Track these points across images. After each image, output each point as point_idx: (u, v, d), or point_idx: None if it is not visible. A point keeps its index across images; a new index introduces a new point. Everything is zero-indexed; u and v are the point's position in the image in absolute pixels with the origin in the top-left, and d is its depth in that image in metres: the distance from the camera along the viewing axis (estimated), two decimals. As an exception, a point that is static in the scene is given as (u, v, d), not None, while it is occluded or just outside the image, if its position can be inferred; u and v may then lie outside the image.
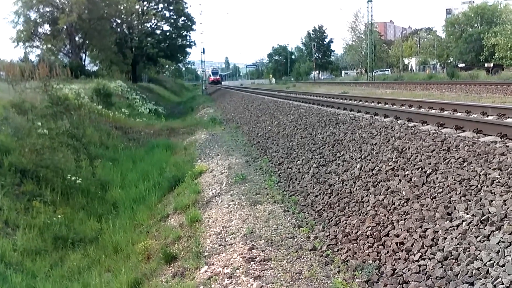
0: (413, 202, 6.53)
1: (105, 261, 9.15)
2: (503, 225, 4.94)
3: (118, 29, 58.19)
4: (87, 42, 51.47)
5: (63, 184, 12.84)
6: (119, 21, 57.76)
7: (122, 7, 54.18)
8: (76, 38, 50.42)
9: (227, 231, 7.95)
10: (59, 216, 10.97)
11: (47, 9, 48.19)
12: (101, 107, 25.66)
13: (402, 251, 5.67)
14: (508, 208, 5.17)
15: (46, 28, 49.82)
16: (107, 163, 16.57)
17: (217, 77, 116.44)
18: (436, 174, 6.87)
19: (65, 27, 46.64)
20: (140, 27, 60.12)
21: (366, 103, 16.87)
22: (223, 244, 7.42)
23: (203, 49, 71.23)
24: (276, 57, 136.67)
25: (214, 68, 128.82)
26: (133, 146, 20.55)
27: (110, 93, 29.75)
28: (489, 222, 5.11)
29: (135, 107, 34.20)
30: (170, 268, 7.72)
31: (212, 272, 6.50)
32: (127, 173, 15.56)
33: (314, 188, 9.31)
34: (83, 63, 52.60)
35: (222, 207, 9.39)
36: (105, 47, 50.85)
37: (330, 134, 12.04)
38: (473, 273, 4.62)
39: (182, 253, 7.95)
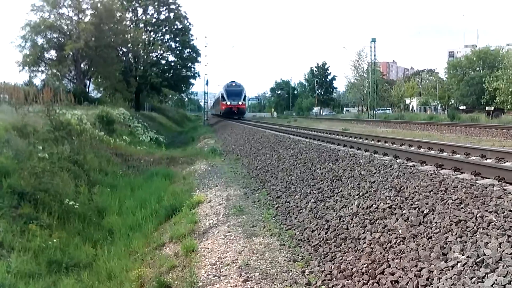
0: (409, 241, 6.55)
1: (98, 287, 9.10)
2: (497, 268, 4.95)
3: (124, 58, 58.73)
4: (92, 69, 51.90)
5: (60, 209, 12.80)
6: (125, 49, 58.34)
7: (129, 37, 54.81)
8: (82, 65, 50.84)
9: (222, 262, 7.93)
10: (54, 240, 10.92)
11: (55, 35, 48.72)
12: (103, 133, 25.77)
13: (396, 290, 5.67)
14: (503, 251, 5.19)
15: (52, 53, 50.34)
16: (105, 190, 16.55)
17: (240, 103, 62.58)
18: (433, 214, 6.91)
19: (71, 53, 47.08)
20: (145, 56, 60.69)
21: (366, 141, 16.96)
22: (217, 275, 7.39)
23: (207, 80, 71.79)
24: (279, 92, 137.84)
25: (233, 83, 64.55)
26: (132, 174, 20.56)
27: (112, 120, 29.92)
28: (484, 264, 5.13)
29: (136, 135, 34.31)
30: (164, 297, 7.69)
31: (205, 303, 6.48)
32: (124, 200, 15.53)
33: (311, 223, 9.31)
34: (87, 89, 52.96)
35: (219, 238, 9.37)
36: (110, 75, 51.25)
37: (329, 170, 12.09)
38: (467, 314, 4.62)
39: (176, 282, 7.92)
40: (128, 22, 58.86)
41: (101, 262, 10.26)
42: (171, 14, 62.54)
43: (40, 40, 48.42)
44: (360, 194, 9.39)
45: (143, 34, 58.51)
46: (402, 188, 8.52)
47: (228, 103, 61.61)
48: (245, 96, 66.14)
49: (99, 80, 56.46)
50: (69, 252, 10.80)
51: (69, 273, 9.84)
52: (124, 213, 14.19)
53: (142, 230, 12.37)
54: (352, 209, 8.87)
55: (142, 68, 60.17)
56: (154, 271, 9.00)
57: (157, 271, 8.83)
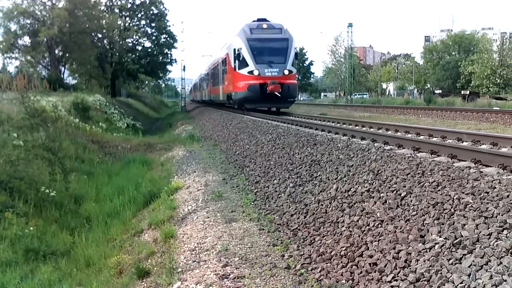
0: (387, 224, 6.59)
1: (76, 275, 9.02)
2: (475, 249, 5.01)
3: (99, 44, 57.95)
4: (67, 55, 51.20)
5: (37, 196, 12.66)
6: (100, 35, 57.56)
7: (104, 22, 54.05)
8: (56, 51, 50.12)
9: (201, 247, 7.91)
10: (31, 228, 10.79)
11: (28, 21, 47.95)
12: (78, 120, 25.48)
13: (375, 272, 5.70)
14: (480, 232, 5.24)
15: (26, 40, 49.62)
16: (82, 177, 16.41)
17: (285, 73, 27.16)
18: (410, 197, 6.95)
19: (45, 39, 46.35)
20: (121, 42, 60.00)
21: (344, 125, 16.98)
22: (197, 260, 7.37)
23: (184, 66, 71.17)
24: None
25: (265, 24, 28.95)
26: (109, 161, 20.41)
27: (88, 106, 29.58)
28: (462, 245, 5.18)
29: (112, 122, 34.00)
30: (142, 283, 7.65)
31: (185, 288, 6.46)
32: (102, 187, 15.42)
33: (290, 207, 9.33)
34: (62, 76, 52.28)
35: (198, 223, 9.35)
36: (85, 61, 50.61)
37: (308, 155, 12.10)
38: (445, 295, 4.67)
39: (155, 268, 7.89)
40: (103, 8, 57.96)
41: (79, 249, 10.19)
42: (147, -1, 61.86)
43: (13, 26, 47.72)
44: (339, 178, 9.41)
45: (119, 19, 57.79)
46: (379, 171, 8.56)
47: (256, 72, 27.17)
48: (296, 55, 29.18)
49: (74, 66, 55.71)
50: (46, 240, 10.69)
51: (47, 261, 9.75)
52: (101, 200, 14.10)
53: (120, 217, 12.30)
54: (330, 193, 8.90)
55: (117, 54, 59.50)
56: (133, 257, 8.96)
57: (136, 258, 8.79)
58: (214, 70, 40.19)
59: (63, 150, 17.00)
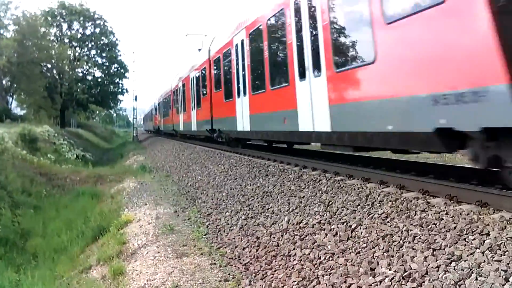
0: (338, 257, 6.59)
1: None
2: (424, 282, 5.04)
3: (48, 74, 56.98)
4: (15, 85, 50.19)
5: (-19, 233, 12.24)
6: (49, 65, 56.63)
7: (53, 52, 53.29)
8: (3, 82, 49.09)
9: (151, 284, 7.74)
10: (-26, 267, 10.39)
11: (-25, 52, 46.93)
12: (26, 152, 24.84)
13: (326, 307, 5.68)
14: (428, 264, 5.29)
15: (-27, 70, 48.41)
16: (29, 211, 15.92)
17: None
18: (360, 228, 6.99)
19: (-9, 69, 45.45)
20: (71, 72, 59.15)
21: (296, 156, 17.03)
22: (146, 299, 7.20)
23: (135, 96, 70.67)
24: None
25: None
26: (57, 194, 19.92)
27: (35, 138, 28.98)
28: (411, 278, 5.21)
29: (61, 153, 33.27)
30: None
31: (133, 329, 6.28)
32: (49, 222, 14.99)
33: (242, 240, 9.25)
34: (10, 106, 51.14)
35: (148, 259, 9.15)
36: (34, 92, 49.74)
37: (260, 186, 12.09)
38: (395, 329, 4.67)
39: (104, 308, 7.67)
40: (52, 38, 57.21)
41: (24, 288, 9.82)
42: (97, 29, 61.55)
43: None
44: (290, 209, 9.42)
45: (68, 49, 57.08)
46: (330, 203, 8.61)
47: None
48: None
49: (22, 97, 54.63)
50: (-10, 279, 10.29)
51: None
52: (48, 235, 13.70)
53: (68, 252, 11.96)
54: (282, 225, 8.88)
55: (67, 84, 58.58)
56: (80, 296, 8.68)
57: (83, 297, 8.52)
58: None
59: (9, 183, 16.55)
